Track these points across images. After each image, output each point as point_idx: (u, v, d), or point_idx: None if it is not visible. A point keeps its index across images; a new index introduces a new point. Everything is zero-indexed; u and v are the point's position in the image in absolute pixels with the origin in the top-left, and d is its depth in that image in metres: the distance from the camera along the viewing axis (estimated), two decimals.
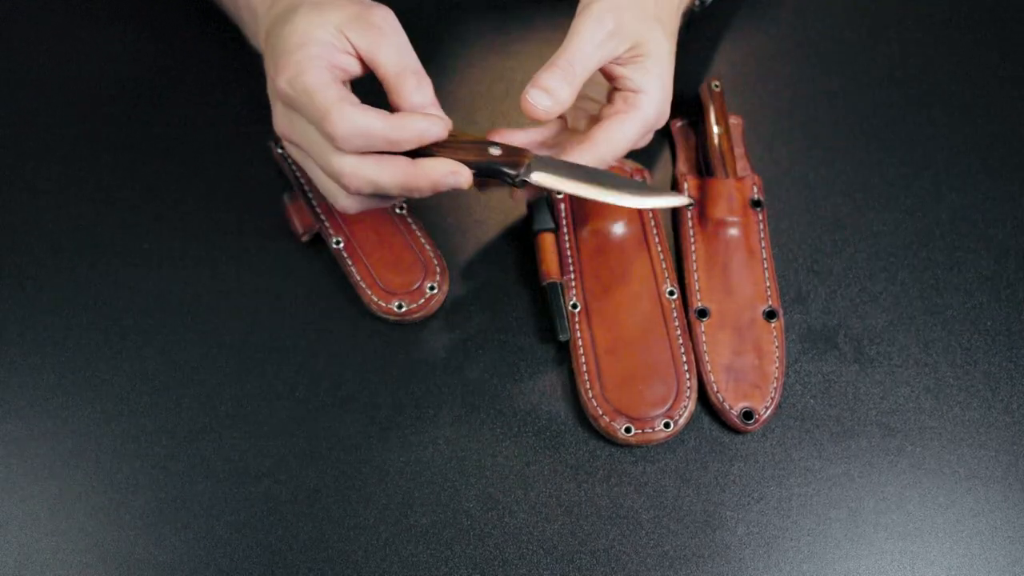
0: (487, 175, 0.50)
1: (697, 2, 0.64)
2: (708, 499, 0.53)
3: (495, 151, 0.49)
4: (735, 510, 0.53)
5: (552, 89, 0.48)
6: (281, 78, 0.46)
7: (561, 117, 0.55)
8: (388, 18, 0.47)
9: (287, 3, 0.50)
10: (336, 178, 0.47)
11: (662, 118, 0.52)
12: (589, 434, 0.55)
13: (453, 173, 0.46)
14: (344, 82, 0.48)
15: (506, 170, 0.49)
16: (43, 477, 0.53)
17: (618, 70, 0.51)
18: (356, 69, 0.48)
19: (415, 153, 0.47)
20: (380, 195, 0.49)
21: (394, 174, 0.46)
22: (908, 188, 0.63)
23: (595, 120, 0.53)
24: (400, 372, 0.56)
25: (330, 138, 0.45)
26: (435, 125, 0.46)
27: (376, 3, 0.49)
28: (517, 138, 0.53)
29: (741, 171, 0.62)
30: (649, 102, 0.51)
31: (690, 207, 0.59)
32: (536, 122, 0.50)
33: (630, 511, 0.53)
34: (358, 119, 0.44)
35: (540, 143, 0.54)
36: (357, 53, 0.47)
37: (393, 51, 0.46)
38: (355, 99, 0.46)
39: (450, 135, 0.48)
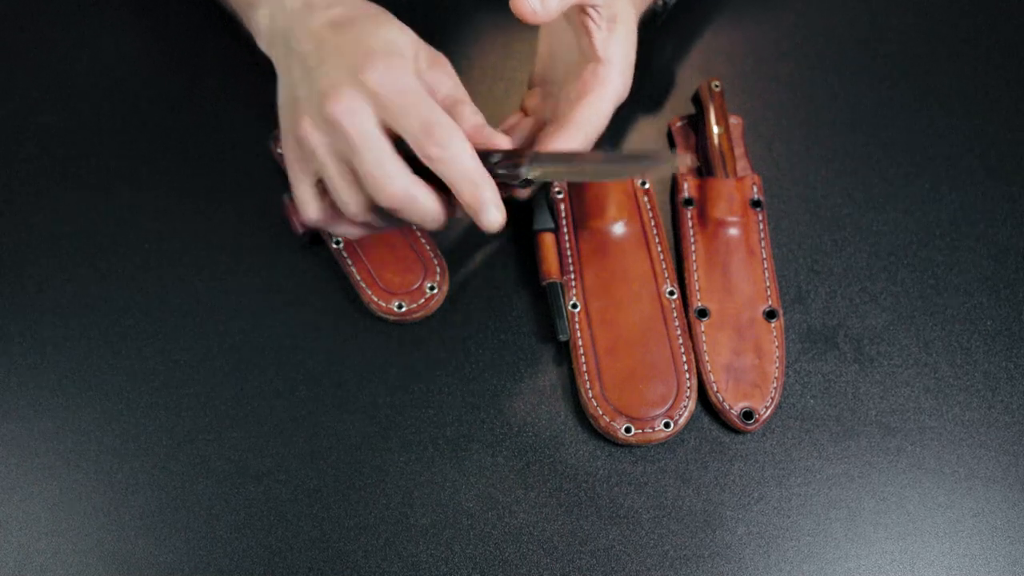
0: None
1: (661, 3, 0.65)
2: (708, 499, 0.53)
3: (495, 158, 0.49)
4: (735, 510, 0.53)
5: None
6: (372, 75, 0.45)
7: (534, 117, 0.57)
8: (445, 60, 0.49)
9: (342, 13, 0.49)
10: (376, 179, 0.45)
11: (627, 90, 0.54)
12: (589, 434, 0.55)
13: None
14: None
15: (509, 173, 0.49)
16: (43, 477, 0.53)
17: (592, 27, 0.52)
18: None
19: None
20: (373, 222, 0.49)
21: (427, 199, 0.46)
22: (908, 188, 0.63)
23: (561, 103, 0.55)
24: (400, 372, 0.56)
25: (434, 139, 0.45)
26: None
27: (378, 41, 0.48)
28: (497, 140, 0.53)
29: (741, 171, 0.62)
30: (617, 73, 0.52)
31: (675, 167, 0.53)
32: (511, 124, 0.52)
33: (630, 511, 0.53)
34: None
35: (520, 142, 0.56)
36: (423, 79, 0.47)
37: (453, 83, 0.48)
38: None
39: None
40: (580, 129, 0.51)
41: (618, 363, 0.55)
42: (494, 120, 0.65)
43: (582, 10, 0.52)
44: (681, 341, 0.56)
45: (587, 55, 0.53)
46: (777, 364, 0.56)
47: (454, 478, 0.54)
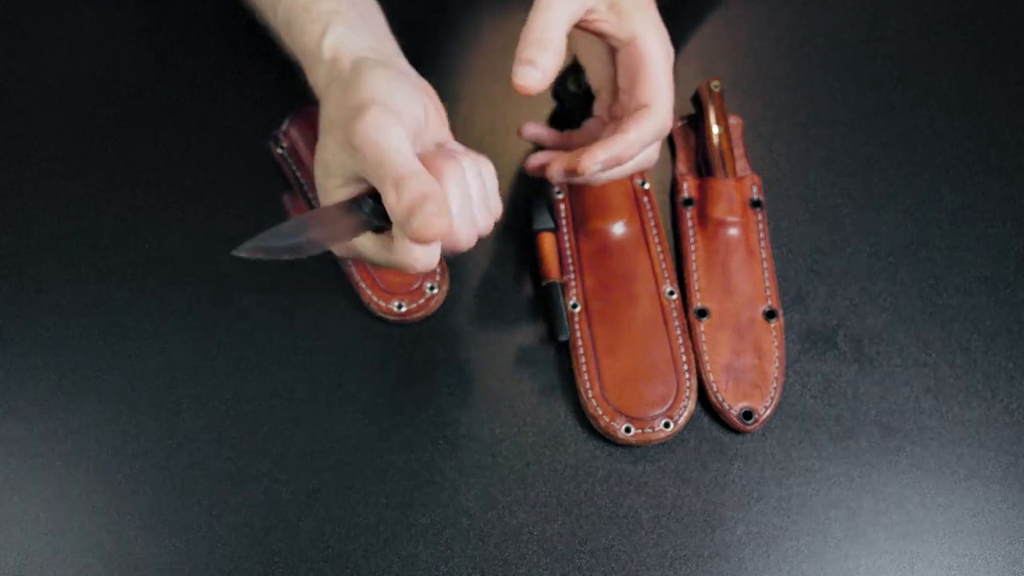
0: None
1: None
2: (708, 499, 0.53)
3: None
4: (735, 510, 0.53)
5: (536, 60, 0.48)
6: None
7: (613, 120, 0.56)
8: (367, 126, 0.43)
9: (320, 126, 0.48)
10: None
11: (670, 50, 0.52)
12: (589, 434, 0.55)
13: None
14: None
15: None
16: (43, 477, 0.53)
17: (602, 26, 0.51)
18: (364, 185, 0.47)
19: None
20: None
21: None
22: (908, 188, 0.63)
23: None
24: (400, 372, 0.56)
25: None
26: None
27: (374, 96, 0.45)
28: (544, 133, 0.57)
29: (741, 171, 0.62)
30: (651, 40, 0.51)
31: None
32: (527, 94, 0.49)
33: (630, 511, 0.53)
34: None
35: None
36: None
37: (372, 168, 0.43)
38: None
39: None
40: (657, 112, 0.51)
41: (618, 363, 0.55)
42: (492, 118, 0.65)
43: (589, 28, 0.51)
44: (681, 341, 0.56)
45: (616, 42, 0.52)
46: (777, 364, 0.56)
47: (454, 478, 0.54)
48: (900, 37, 0.70)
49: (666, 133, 0.52)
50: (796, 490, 0.54)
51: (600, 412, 0.54)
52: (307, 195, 0.60)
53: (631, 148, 0.51)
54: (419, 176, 0.43)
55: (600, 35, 0.52)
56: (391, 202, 0.43)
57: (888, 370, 0.57)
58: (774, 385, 0.55)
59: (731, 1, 0.71)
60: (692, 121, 0.65)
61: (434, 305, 0.57)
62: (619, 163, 0.51)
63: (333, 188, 0.46)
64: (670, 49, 0.52)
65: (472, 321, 0.58)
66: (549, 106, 0.66)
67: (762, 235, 0.60)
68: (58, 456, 0.54)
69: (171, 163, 0.63)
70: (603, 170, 0.52)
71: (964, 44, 0.69)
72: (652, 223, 0.60)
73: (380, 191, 0.44)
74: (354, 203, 0.45)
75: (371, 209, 0.45)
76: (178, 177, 0.63)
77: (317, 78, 0.51)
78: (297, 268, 0.60)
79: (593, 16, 0.51)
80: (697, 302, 0.58)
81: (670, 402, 0.54)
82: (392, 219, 0.44)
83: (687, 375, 0.55)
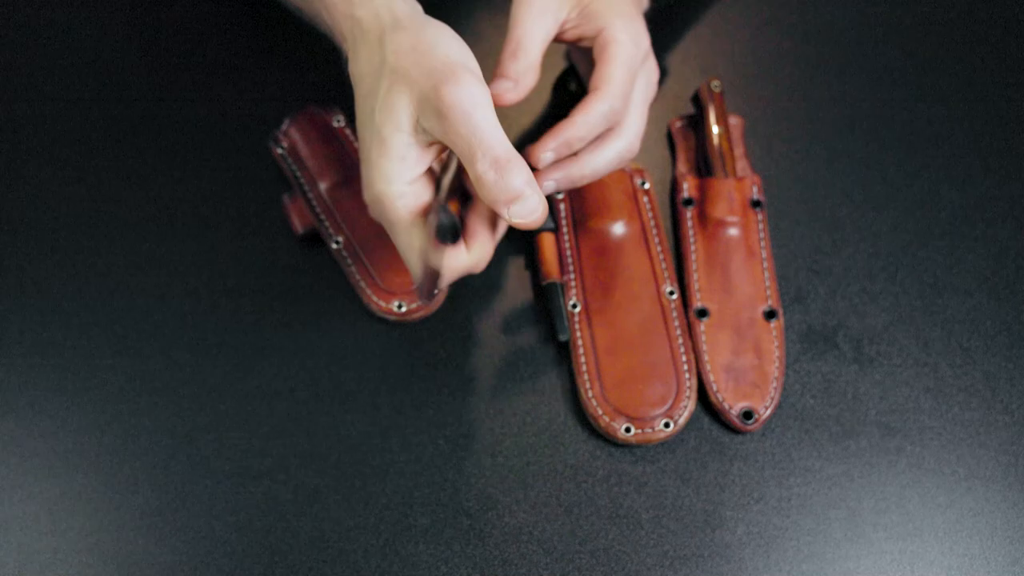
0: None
1: None
2: (708, 499, 0.53)
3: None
4: (735, 510, 0.53)
5: (508, 72, 0.50)
6: (367, 196, 0.47)
7: None
8: (461, 93, 0.43)
9: (371, 72, 0.47)
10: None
11: (639, 41, 0.52)
12: (589, 434, 0.55)
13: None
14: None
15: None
16: (43, 477, 0.53)
17: (574, 32, 0.52)
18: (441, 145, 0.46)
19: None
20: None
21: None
22: (908, 188, 0.63)
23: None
24: (400, 372, 0.56)
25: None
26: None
27: (459, 59, 0.45)
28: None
29: (741, 171, 0.62)
30: (615, 29, 0.51)
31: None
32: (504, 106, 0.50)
33: (630, 511, 0.53)
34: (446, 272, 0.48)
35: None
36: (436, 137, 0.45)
37: (462, 140, 0.43)
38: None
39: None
40: (606, 95, 0.50)
41: (618, 363, 0.55)
42: None
43: (566, 39, 0.52)
44: (681, 341, 0.56)
45: (589, 41, 0.53)
46: (777, 364, 0.56)
47: (454, 478, 0.54)
48: (900, 37, 0.70)
49: (618, 117, 0.51)
50: (796, 490, 0.54)
51: (600, 412, 0.54)
52: (307, 195, 0.60)
53: (578, 131, 0.50)
54: (519, 160, 0.44)
55: (576, 41, 0.53)
56: (489, 180, 0.43)
57: (888, 370, 0.57)
58: (774, 385, 0.55)
59: (731, 1, 0.71)
60: (692, 121, 0.65)
61: (434, 305, 0.57)
62: (570, 148, 0.51)
63: (403, 145, 0.45)
64: (640, 40, 0.52)
65: (472, 321, 0.58)
66: (549, 107, 0.66)
67: (762, 235, 0.60)
68: (58, 456, 0.54)
69: (171, 163, 0.63)
70: (557, 157, 0.51)
71: (964, 44, 0.69)
72: (652, 223, 0.60)
73: (470, 163, 0.43)
74: (438, 213, 0.44)
75: (451, 226, 0.44)
76: (178, 177, 0.63)
77: (365, 11, 0.48)
78: (297, 268, 0.60)
79: (567, 26, 0.52)
80: (697, 302, 0.58)
81: (670, 402, 0.54)
82: (484, 193, 0.44)
83: (687, 375, 0.55)
